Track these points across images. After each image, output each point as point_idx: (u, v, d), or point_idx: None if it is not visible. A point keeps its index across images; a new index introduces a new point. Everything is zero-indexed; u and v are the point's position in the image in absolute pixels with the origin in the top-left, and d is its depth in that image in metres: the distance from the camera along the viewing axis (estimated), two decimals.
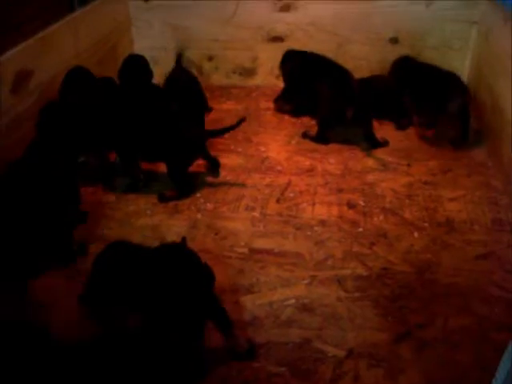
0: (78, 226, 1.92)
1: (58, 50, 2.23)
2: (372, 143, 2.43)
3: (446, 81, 2.48)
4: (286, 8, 2.90)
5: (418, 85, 2.56)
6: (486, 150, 2.41)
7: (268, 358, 1.43)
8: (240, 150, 2.42)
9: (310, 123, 2.62)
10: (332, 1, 2.85)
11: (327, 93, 2.43)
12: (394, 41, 2.85)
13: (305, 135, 2.52)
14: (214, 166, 2.23)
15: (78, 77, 2.21)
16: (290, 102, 2.71)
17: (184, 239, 1.51)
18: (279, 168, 2.30)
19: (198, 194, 2.12)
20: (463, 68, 2.63)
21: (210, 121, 2.47)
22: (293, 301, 1.63)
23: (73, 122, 2.03)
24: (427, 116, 2.54)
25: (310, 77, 2.54)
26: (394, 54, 2.77)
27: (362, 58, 2.65)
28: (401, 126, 2.59)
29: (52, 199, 1.76)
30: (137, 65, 2.42)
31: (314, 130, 2.51)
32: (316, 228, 1.93)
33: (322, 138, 2.47)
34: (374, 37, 2.83)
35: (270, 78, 3.02)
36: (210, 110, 2.58)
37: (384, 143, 2.44)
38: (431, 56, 2.76)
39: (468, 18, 2.78)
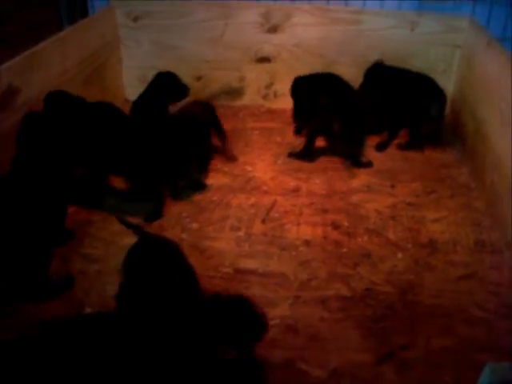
0: (62, 245, 1.92)
1: (45, 67, 2.23)
2: (355, 162, 2.46)
3: (423, 84, 2.59)
4: (273, 29, 2.93)
5: (395, 92, 2.65)
6: (468, 172, 2.45)
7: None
8: (226, 169, 2.43)
9: (296, 143, 2.64)
10: (318, 23, 2.89)
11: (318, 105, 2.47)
12: (380, 62, 2.89)
13: (290, 154, 2.54)
14: (196, 187, 2.25)
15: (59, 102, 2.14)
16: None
17: None
18: (265, 188, 2.31)
19: (184, 214, 2.12)
20: (447, 91, 2.67)
21: None
22: (277, 321, 1.63)
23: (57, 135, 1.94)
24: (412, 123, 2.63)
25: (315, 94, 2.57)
26: None
27: (349, 80, 2.67)
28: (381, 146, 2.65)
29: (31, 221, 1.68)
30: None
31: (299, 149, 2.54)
32: (301, 248, 1.95)
33: (306, 152, 2.50)
34: (359, 59, 2.86)
35: (256, 98, 3.05)
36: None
37: (367, 164, 2.47)
38: None
39: (452, 42, 2.83)
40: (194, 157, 2.26)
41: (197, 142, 2.25)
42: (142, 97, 2.52)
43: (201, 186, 2.28)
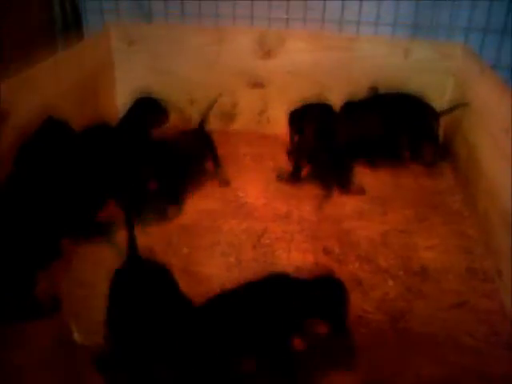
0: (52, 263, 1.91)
1: (38, 90, 2.23)
2: (344, 189, 2.47)
3: (416, 104, 2.65)
4: (267, 55, 2.95)
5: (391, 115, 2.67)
6: (461, 199, 2.44)
7: None
8: (218, 194, 2.43)
9: (288, 168, 2.63)
10: (312, 49, 2.91)
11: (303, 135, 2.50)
12: (374, 90, 2.90)
13: (279, 177, 2.55)
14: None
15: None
16: None
17: None
18: (256, 214, 2.30)
19: (175, 238, 2.11)
20: (440, 118, 2.68)
21: None
22: None
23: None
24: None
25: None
26: None
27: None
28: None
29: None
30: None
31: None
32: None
33: (293, 177, 2.51)
34: (353, 86, 2.87)
35: (249, 123, 3.06)
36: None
37: (359, 191, 2.47)
38: None
39: (445, 69, 2.85)
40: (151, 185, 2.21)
41: (163, 169, 2.20)
42: (120, 122, 2.52)
43: (163, 215, 2.25)
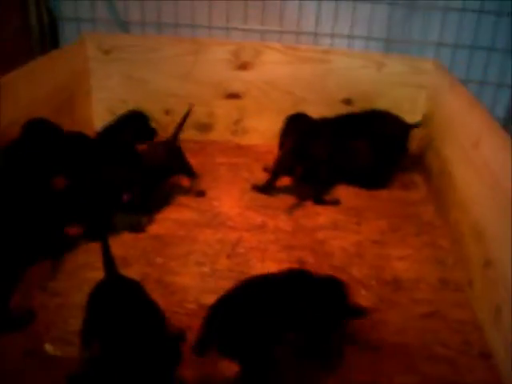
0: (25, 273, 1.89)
1: (14, 98, 2.22)
2: (318, 201, 2.49)
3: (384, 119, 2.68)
4: (243, 66, 2.97)
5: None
6: (433, 210, 2.48)
7: None
8: (193, 204, 2.43)
9: (262, 179, 2.65)
10: (288, 61, 2.94)
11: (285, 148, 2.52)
12: (347, 102, 2.95)
13: (254, 187, 2.57)
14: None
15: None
16: None
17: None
18: (231, 224, 2.30)
19: (149, 248, 2.11)
20: (413, 130, 2.72)
21: None
22: None
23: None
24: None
25: None
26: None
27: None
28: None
29: None
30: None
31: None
32: None
33: (267, 188, 2.53)
34: (327, 97, 2.92)
35: (225, 133, 3.06)
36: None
37: (335, 202, 2.49)
38: None
39: (417, 83, 2.90)
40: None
41: (136, 181, 2.19)
42: (108, 131, 2.52)
43: (137, 226, 2.24)
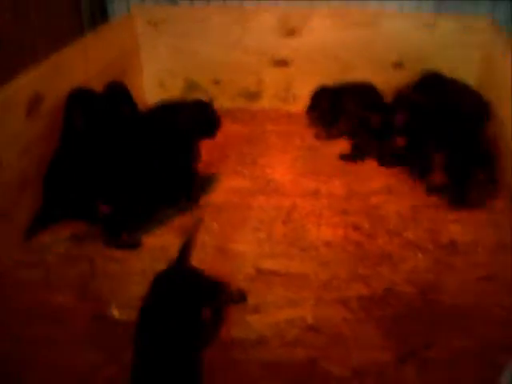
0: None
1: (68, 74, 2.27)
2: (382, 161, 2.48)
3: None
4: (290, 33, 2.95)
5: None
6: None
7: (274, 377, 1.45)
8: (246, 172, 2.46)
9: (314, 145, 2.66)
10: (336, 26, 2.91)
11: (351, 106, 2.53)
12: (398, 65, 2.90)
13: (342, 157, 2.56)
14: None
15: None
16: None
17: None
18: (284, 190, 2.32)
19: (206, 216, 2.15)
20: None
21: (216, 144, 2.48)
22: (299, 321, 1.65)
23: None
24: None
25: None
26: (396, 78, 2.83)
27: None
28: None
29: None
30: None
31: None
32: (321, 249, 1.96)
33: (355, 154, 2.53)
34: (377, 62, 2.88)
35: (274, 101, 3.07)
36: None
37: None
38: None
39: (471, 43, 2.82)
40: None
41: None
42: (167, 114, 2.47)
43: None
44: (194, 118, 2.31)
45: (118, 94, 2.37)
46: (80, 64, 2.38)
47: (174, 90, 3.01)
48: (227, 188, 2.33)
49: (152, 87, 3.06)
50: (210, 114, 2.37)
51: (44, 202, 2.06)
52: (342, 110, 2.65)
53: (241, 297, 1.70)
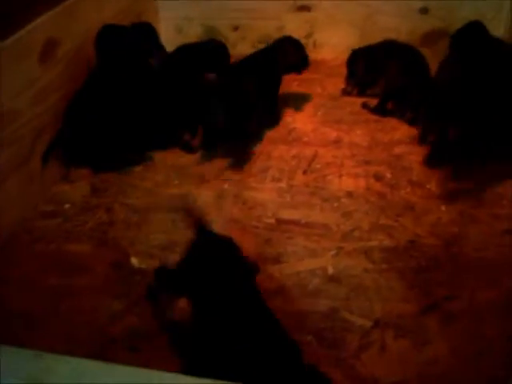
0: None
1: (83, 19, 2.22)
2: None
3: None
4: None
5: None
6: None
7: (295, 326, 1.44)
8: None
9: (335, 94, 2.59)
10: None
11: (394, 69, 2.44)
12: (424, 11, 2.80)
13: (364, 105, 2.49)
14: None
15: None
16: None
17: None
18: (306, 139, 2.28)
19: (226, 165, 2.12)
20: None
21: None
22: (320, 271, 1.64)
23: None
24: None
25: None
26: (423, 24, 2.74)
27: (391, 29, 2.60)
28: None
29: None
30: None
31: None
32: (343, 200, 1.93)
33: (381, 109, 2.44)
34: (403, 7, 2.77)
35: None
36: None
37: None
38: None
39: None
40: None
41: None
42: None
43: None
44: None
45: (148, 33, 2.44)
46: (94, 9, 2.33)
47: (191, 37, 2.93)
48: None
49: (168, 33, 2.98)
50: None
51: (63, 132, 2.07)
52: (381, 73, 2.55)
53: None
